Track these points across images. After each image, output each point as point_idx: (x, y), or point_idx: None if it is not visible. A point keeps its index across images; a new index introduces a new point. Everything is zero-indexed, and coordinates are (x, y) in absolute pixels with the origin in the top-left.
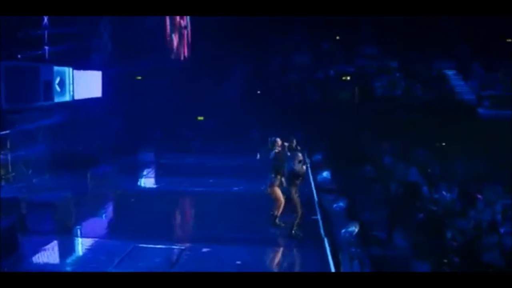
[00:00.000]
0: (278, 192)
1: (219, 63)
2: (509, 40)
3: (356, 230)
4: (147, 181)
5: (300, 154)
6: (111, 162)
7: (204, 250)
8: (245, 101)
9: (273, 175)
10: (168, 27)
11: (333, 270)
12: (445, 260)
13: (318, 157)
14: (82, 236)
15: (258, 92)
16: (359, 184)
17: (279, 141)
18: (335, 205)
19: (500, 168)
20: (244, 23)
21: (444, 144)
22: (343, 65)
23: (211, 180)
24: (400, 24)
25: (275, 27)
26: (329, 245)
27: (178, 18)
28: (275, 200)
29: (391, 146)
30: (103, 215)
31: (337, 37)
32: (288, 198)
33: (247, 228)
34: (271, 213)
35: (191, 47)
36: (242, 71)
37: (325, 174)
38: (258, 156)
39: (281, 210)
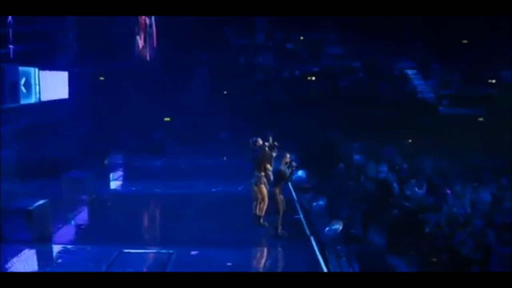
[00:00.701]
0: (265, 190)
1: (185, 64)
2: (465, 42)
3: (340, 228)
4: (122, 184)
5: (288, 155)
6: (83, 166)
7: (193, 253)
8: (212, 101)
9: (257, 173)
10: (135, 26)
11: (324, 268)
12: (427, 256)
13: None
14: (63, 244)
15: (225, 92)
16: (334, 182)
17: (260, 140)
18: (314, 204)
19: (465, 163)
20: (209, 23)
21: (409, 141)
22: (308, 65)
23: (187, 182)
24: (363, 25)
25: (240, 27)
26: (316, 244)
27: (144, 17)
28: (261, 199)
29: (359, 144)
30: (82, 221)
31: (301, 37)
32: (272, 197)
33: (232, 229)
34: (254, 213)
35: (157, 47)
36: (208, 71)
37: (300, 173)
38: (225, 158)
39: (265, 209)
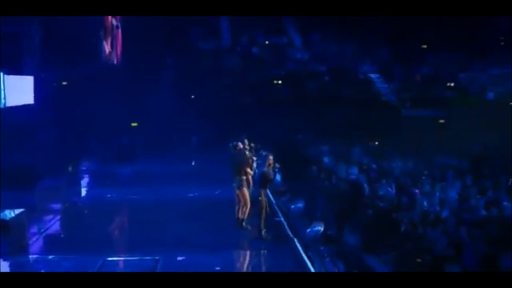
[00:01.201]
0: (247, 194)
1: (151, 68)
2: (424, 46)
3: (322, 229)
4: (96, 192)
5: (271, 157)
6: (54, 174)
7: (180, 258)
8: (180, 106)
9: (238, 177)
10: (101, 29)
11: (311, 269)
12: (402, 254)
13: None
14: (44, 254)
15: (192, 96)
16: (309, 184)
17: (240, 144)
18: (293, 206)
19: (430, 163)
20: (175, 26)
21: (376, 143)
22: (275, 69)
23: (162, 188)
24: (328, 29)
25: (206, 30)
26: (300, 245)
27: (110, 19)
28: (244, 202)
29: (328, 147)
30: (60, 230)
31: (266, 42)
32: (256, 200)
33: (216, 233)
34: (237, 216)
35: (123, 51)
36: (175, 75)
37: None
38: (193, 163)
39: (247, 212)
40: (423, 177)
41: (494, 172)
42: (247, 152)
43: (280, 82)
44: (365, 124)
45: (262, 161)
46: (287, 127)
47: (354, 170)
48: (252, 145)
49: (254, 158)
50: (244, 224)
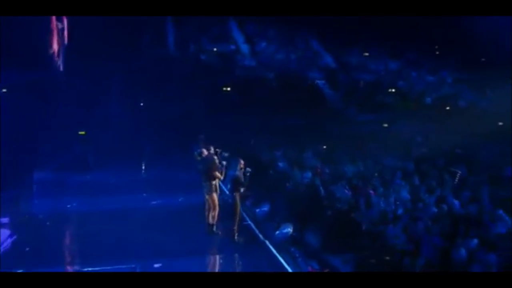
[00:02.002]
0: (216, 198)
1: (98, 75)
2: (366, 54)
3: (291, 230)
4: (55, 202)
5: (242, 161)
6: (6, 185)
7: (156, 265)
8: (129, 113)
9: (208, 183)
10: (45, 32)
11: (288, 269)
12: (365, 252)
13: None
14: (13, 270)
15: (141, 104)
16: (271, 188)
17: (204, 150)
18: (258, 210)
19: (379, 164)
20: (125, 33)
21: (325, 147)
22: (223, 76)
23: (123, 196)
24: (274, 36)
25: (156, 37)
26: (272, 247)
27: (55, 24)
28: (213, 207)
29: (282, 152)
30: (25, 244)
31: (215, 49)
32: (230, 204)
33: (188, 240)
34: (208, 222)
35: (70, 56)
36: (124, 83)
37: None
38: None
39: (217, 218)
40: (375, 179)
41: (438, 172)
42: (215, 157)
43: (229, 89)
44: (315, 130)
45: (233, 165)
46: (239, 133)
47: (308, 174)
48: (218, 150)
49: (224, 163)
50: (214, 229)
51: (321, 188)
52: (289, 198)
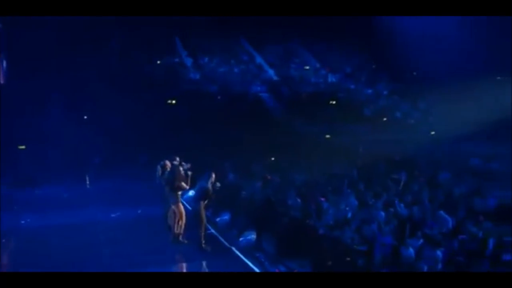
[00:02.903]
0: (183, 208)
1: (40, 88)
2: (307, 68)
3: (254, 237)
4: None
5: (213, 175)
6: None
7: None
8: (76, 126)
9: (174, 193)
10: None
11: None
12: (323, 255)
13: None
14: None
15: (85, 117)
16: (228, 198)
17: (168, 163)
18: (218, 219)
19: (325, 173)
20: (69, 45)
21: (273, 158)
22: (168, 89)
23: (80, 211)
24: (217, 49)
25: (99, 50)
26: (239, 253)
27: None
28: (180, 216)
29: (231, 163)
30: None
31: (158, 62)
32: (196, 213)
33: (155, 251)
34: (174, 231)
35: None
36: (66, 96)
37: (191, 193)
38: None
39: (184, 227)
40: (324, 187)
41: (382, 178)
42: (180, 168)
43: (174, 102)
44: (261, 141)
45: (204, 177)
46: (186, 146)
47: (258, 184)
48: (183, 163)
49: (189, 173)
50: (181, 238)
51: (272, 197)
52: (246, 207)
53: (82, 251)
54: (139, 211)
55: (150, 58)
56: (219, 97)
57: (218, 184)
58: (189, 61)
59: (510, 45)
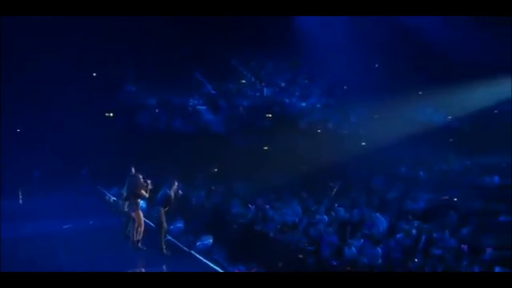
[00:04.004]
0: (141, 216)
1: None
2: (243, 81)
3: (211, 241)
4: None
5: (176, 183)
6: None
7: None
8: (12, 139)
9: (133, 200)
10: None
11: None
12: (275, 256)
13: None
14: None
15: (18, 130)
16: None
17: (132, 169)
18: (172, 227)
19: (269, 184)
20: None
21: (216, 169)
22: (105, 102)
23: (31, 223)
24: (155, 63)
25: (35, 61)
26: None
27: None
28: (138, 223)
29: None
30: None
31: (94, 74)
32: (157, 219)
33: (117, 258)
34: (133, 238)
35: None
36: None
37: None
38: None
39: (142, 234)
40: (267, 195)
41: (321, 186)
42: (140, 176)
43: (111, 114)
44: (203, 153)
45: (167, 184)
46: (127, 159)
47: (202, 193)
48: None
49: (149, 181)
50: (140, 245)
51: (219, 206)
52: (197, 215)
53: (41, 261)
54: (90, 222)
55: (88, 70)
56: (157, 110)
57: (180, 192)
58: (128, 73)
59: (432, 62)
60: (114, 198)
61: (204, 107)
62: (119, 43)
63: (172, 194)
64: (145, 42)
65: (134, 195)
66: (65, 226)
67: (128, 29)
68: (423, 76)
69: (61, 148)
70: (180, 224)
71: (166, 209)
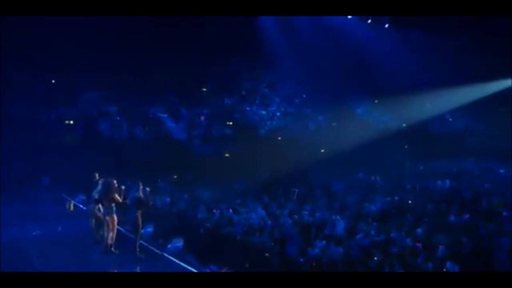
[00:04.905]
0: (115, 220)
1: None
2: (205, 90)
3: (182, 244)
4: None
5: (141, 184)
6: None
7: None
8: None
9: (107, 205)
10: None
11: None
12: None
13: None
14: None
15: None
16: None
17: (96, 175)
18: (143, 231)
19: (231, 189)
20: None
21: (175, 176)
22: (64, 109)
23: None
24: (116, 69)
25: None
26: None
27: None
28: (111, 228)
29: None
30: None
31: (53, 81)
32: (134, 223)
33: (90, 263)
34: (106, 242)
35: None
36: None
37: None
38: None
39: (115, 238)
40: (231, 200)
41: (283, 191)
42: (114, 181)
43: (72, 122)
44: (164, 160)
45: (133, 188)
46: (88, 166)
47: (167, 199)
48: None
49: (123, 187)
50: (113, 249)
51: (185, 211)
52: (165, 220)
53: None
54: (59, 229)
55: (46, 77)
56: (118, 118)
57: (148, 189)
58: (87, 79)
59: (386, 71)
60: (80, 206)
61: (165, 115)
62: (79, 50)
63: (141, 194)
64: (105, 49)
65: (108, 199)
66: (34, 233)
67: (88, 35)
68: (379, 84)
69: (22, 157)
70: (149, 229)
71: (141, 211)
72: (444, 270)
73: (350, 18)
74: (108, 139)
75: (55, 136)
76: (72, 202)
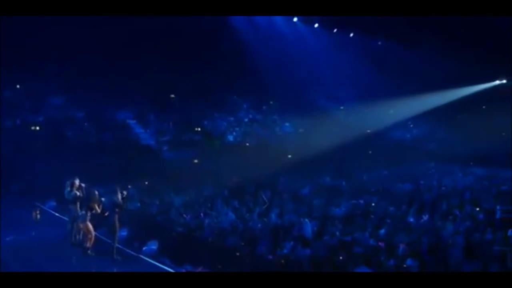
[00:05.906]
0: (90, 226)
1: None
2: (172, 96)
3: (156, 246)
4: None
5: (118, 188)
6: None
7: None
8: None
9: (83, 212)
10: None
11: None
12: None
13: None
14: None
15: None
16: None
17: (76, 182)
18: (120, 234)
19: (200, 194)
20: None
21: (147, 183)
22: (31, 115)
23: None
24: (85, 74)
25: None
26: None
27: None
28: (87, 233)
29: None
30: None
31: (18, 86)
32: (111, 226)
33: (71, 264)
34: (85, 245)
35: None
36: None
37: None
38: None
39: (92, 241)
40: (201, 205)
41: (251, 196)
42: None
43: (38, 128)
44: (133, 166)
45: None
46: (56, 172)
47: (137, 204)
48: (83, 185)
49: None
50: (89, 252)
51: (156, 215)
52: (139, 224)
53: None
54: (33, 234)
55: (13, 82)
56: (86, 124)
57: (125, 192)
58: (53, 85)
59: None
60: (51, 211)
61: (133, 121)
62: (46, 54)
63: (119, 197)
64: (73, 54)
65: (88, 207)
66: (7, 238)
67: (56, 39)
68: (346, 93)
69: None
70: (123, 232)
71: (117, 215)
72: (405, 266)
73: (316, 27)
74: (75, 145)
75: (22, 142)
76: (38, 210)
